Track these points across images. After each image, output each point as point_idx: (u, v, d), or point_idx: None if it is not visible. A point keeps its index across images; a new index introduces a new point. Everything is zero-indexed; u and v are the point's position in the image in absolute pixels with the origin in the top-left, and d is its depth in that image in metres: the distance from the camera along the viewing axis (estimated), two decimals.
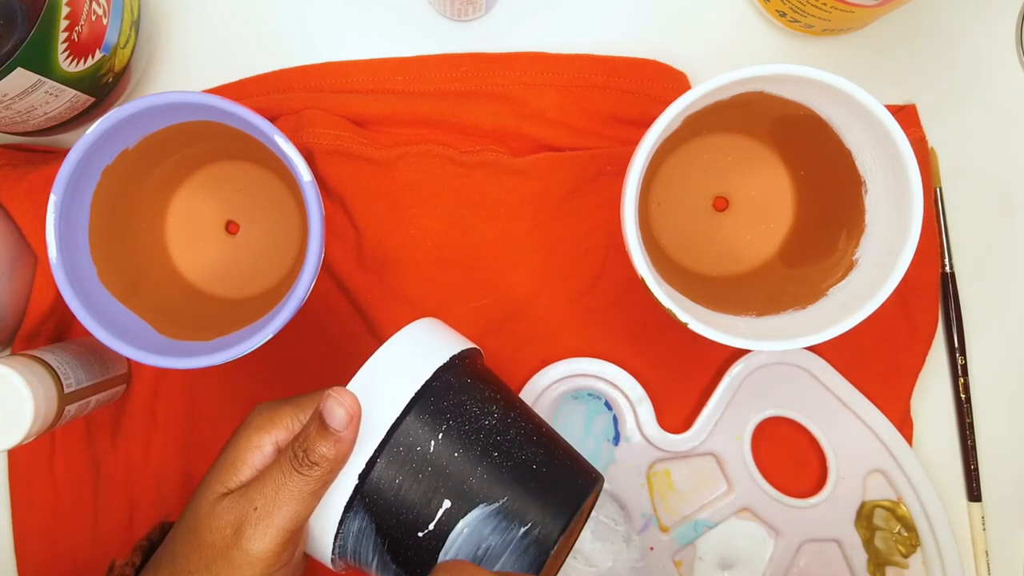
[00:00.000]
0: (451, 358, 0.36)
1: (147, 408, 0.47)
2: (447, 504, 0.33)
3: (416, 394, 0.34)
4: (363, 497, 0.34)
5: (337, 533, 0.34)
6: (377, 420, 0.34)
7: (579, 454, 0.38)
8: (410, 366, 0.35)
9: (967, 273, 0.49)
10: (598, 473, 0.37)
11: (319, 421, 0.33)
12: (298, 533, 0.33)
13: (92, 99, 0.43)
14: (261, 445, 0.34)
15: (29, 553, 0.48)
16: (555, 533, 0.33)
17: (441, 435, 0.34)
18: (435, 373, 0.35)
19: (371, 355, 0.35)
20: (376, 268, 0.47)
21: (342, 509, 0.34)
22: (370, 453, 0.33)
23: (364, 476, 0.33)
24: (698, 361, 0.48)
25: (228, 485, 0.34)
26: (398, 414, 0.34)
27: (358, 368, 0.47)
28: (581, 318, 0.47)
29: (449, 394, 0.35)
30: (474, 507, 0.33)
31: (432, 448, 0.34)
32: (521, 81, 0.47)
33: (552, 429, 0.38)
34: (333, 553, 0.35)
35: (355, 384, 0.34)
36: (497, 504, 0.33)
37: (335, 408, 0.32)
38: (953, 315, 0.48)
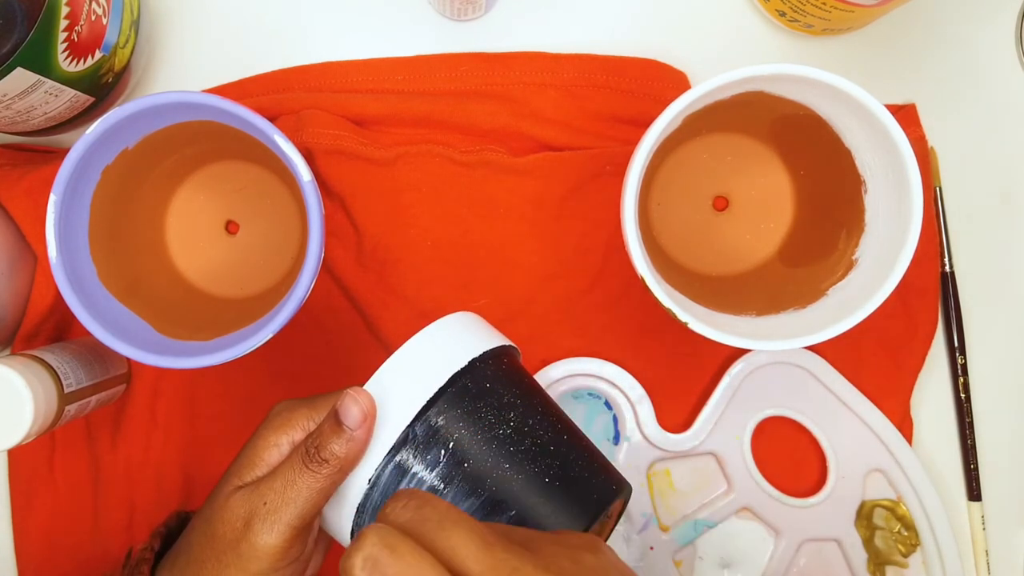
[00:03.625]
0: (470, 361, 0.35)
1: (147, 408, 0.47)
2: None
3: (429, 400, 0.34)
4: (376, 499, 0.34)
5: (352, 529, 0.34)
6: (389, 425, 0.33)
7: (604, 462, 0.37)
8: (427, 370, 0.35)
9: (967, 273, 0.49)
10: (621, 481, 0.36)
11: (334, 419, 0.33)
12: (306, 530, 0.34)
13: (92, 99, 0.43)
14: (279, 444, 0.35)
15: (29, 553, 0.48)
16: None
17: (452, 444, 0.33)
18: (451, 378, 0.34)
19: (386, 354, 0.35)
20: (376, 268, 0.47)
21: (354, 510, 0.34)
22: (380, 458, 0.33)
23: (374, 481, 0.33)
24: (698, 361, 0.48)
25: (244, 479, 0.35)
26: (410, 420, 0.33)
27: (358, 368, 0.48)
28: (581, 318, 0.47)
29: (464, 400, 0.34)
30: (483, 519, 0.33)
31: (443, 456, 0.33)
32: (521, 81, 0.47)
33: (578, 436, 0.37)
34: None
35: (373, 384, 0.34)
36: (505, 516, 0.33)
37: (351, 406, 0.33)
38: (953, 315, 0.48)
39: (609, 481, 0.36)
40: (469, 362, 0.35)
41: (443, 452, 0.33)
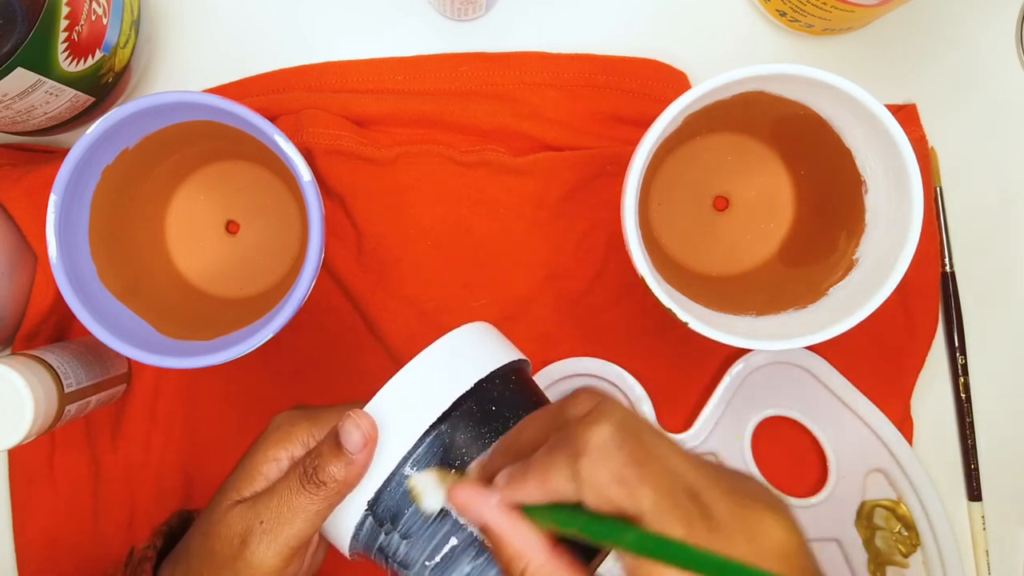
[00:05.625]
0: (477, 383, 0.34)
1: (147, 408, 0.47)
2: (454, 541, 0.33)
3: (433, 424, 0.33)
4: (374, 520, 0.33)
5: (351, 544, 0.34)
6: (390, 447, 0.33)
7: None
8: (432, 392, 0.34)
9: (967, 273, 0.49)
10: None
11: (334, 441, 0.32)
12: (303, 549, 0.34)
13: (92, 99, 0.43)
14: (278, 458, 0.34)
15: (29, 553, 0.48)
16: None
17: (454, 470, 0.33)
18: (456, 401, 0.33)
19: (387, 354, 0.35)
20: (376, 268, 0.47)
21: (352, 528, 0.33)
22: (381, 481, 0.33)
23: (373, 503, 0.33)
24: (698, 361, 0.48)
25: (243, 494, 0.34)
26: (411, 445, 0.33)
27: (358, 368, 0.48)
28: (581, 318, 0.47)
29: (469, 425, 0.33)
30: (481, 548, 0.33)
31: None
32: (521, 81, 0.47)
33: None
34: (351, 555, 0.35)
35: (376, 403, 0.34)
36: None
37: (352, 431, 0.32)
38: (953, 315, 0.48)
39: None
40: (475, 384, 0.34)
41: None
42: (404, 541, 0.33)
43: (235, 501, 0.34)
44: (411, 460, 0.33)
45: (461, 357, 0.35)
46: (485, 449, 0.33)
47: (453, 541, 0.33)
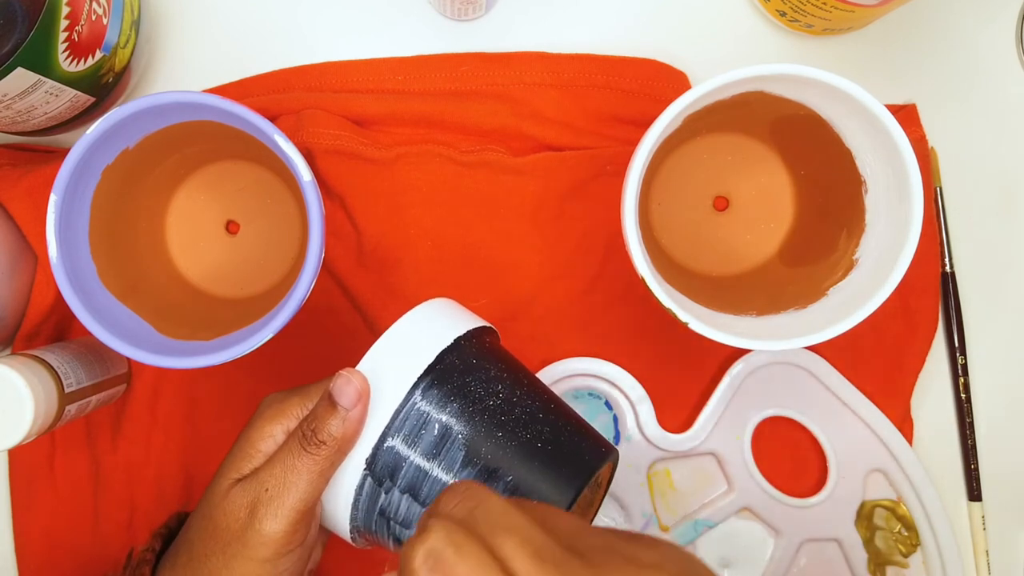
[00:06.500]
0: (456, 339, 0.36)
1: (147, 408, 0.47)
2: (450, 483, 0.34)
3: (419, 378, 0.35)
4: (372, 479, 0.34)
5: (351, 515, 0.35)
6: (381, 405, 0.34)
7: (592, 430, 0.38)
8: (415, 350, 0.35)
9: (967, 273, 0.49)
10: (610, 446, 0.37)
11: (328, 400, 0.33)
12: (309, 514, 0.34)
13: (92, 99, 0.43)
14: (274, 434, 0.35)
15: (29, 553, 0.48)
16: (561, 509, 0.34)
17: (445, 417, 0.34)
18: (439, 356, 0.35)
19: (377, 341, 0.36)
20: (376, 268, 0.47)
21: (352, 492, 0.34)
22: (375, 438, 0.34)
23: (371, 461, 0.34)
24: (698, 361, 0.48)
25: (243, 471, 0.35)
26: (401, 398, 0.34)
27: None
28: (581, 318, 0.47)
29: (453, 376, 0.35)
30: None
31: (436, 430, 0.34)
32: (521, 81, 0.47)
33: (564, 405, 0.38)
34: (352, 532, 0.36)
35: (363, 366, 0.35)
36: (502, 483, 0.34)
37: (344, 387, 0.33)
38: (953, 315, 0.48)
39: (598, 444, 0.37)
40: (454, 340, 0.36)
41: (437, 427, 0.34)
42: (404, 496, 0.34)
43: (235, 480, 0.34)
44: (403, 414, 0.34)
45: (438, 319, 0.37)
46: (470, 397, 0.35)
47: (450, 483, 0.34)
